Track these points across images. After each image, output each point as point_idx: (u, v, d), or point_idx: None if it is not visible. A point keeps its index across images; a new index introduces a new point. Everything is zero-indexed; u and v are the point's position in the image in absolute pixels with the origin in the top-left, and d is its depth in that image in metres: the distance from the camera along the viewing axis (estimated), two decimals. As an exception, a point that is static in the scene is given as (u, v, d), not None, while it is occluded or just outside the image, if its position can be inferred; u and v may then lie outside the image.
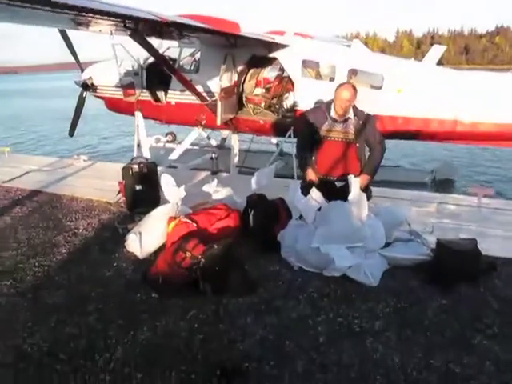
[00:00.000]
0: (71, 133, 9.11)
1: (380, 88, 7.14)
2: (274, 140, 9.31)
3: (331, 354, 2.80)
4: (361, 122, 4.38)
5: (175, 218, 4.08)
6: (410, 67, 7.49)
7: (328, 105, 4.44)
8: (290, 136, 7.33)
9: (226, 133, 9.37)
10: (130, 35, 5.16)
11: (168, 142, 10.26)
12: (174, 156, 7.88)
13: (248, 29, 7.12)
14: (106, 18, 4.11)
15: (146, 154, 8.08)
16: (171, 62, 8.12)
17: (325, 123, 4.44)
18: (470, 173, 10.41)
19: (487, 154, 11.85)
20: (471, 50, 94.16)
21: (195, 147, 9.57)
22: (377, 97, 7.10)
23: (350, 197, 3.78)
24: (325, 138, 4.45)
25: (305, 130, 4.62)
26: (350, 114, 4.38)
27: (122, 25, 4.48)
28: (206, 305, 3.31)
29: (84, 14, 3.80)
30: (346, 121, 4.41)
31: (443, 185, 8.82)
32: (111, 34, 4.81)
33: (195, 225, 4.00)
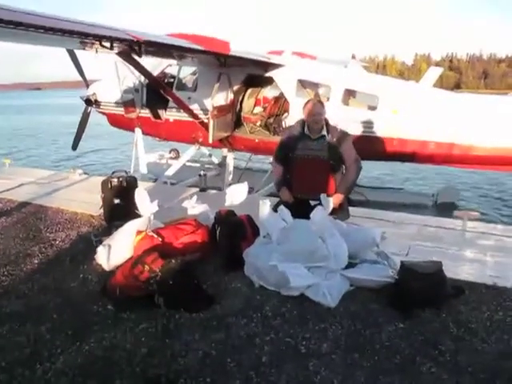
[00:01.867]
0: (74, 147, 9.34)
1: (375, 109, 7.12)
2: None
3: (270, 375, 2.72)
4: (335, 140, 4.37)
5: (142, 231, 4.09)
6: (406, 88, 7.45)
7: (301, 123, 4.44)
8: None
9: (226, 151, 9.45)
10: (117, 54, 5.29)
11: (171, 158, 10.40)
12: (170, 172, 7.96)
13: (247, 48, 7.24)
14: (77, 37, 4.21)
15: (144, 169, 8.23)
16: (171, 80, 8.32)
17: (299, 141, 4.44)
18: (468, 196, 10.15)
19: (490, 177, 11.59)
20: (490, 75, 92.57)
21: (196, 164, 9.69)
22: (372, 117, 7.08)
23: (312, 215, 3.73)
24: (299, 157, 4.45)
25: (280, 149, 4.63)
26: (324, 132, 4.37)
27: (99, 44, 4.59)
28: (158, 319, 3.28)
29: (54, 33, 3.92)
30: (320, 138, 4.40)
31: (444, 208, 8.62)
32: (96, 52, 4.94)
33: (160, 239, 4.00)
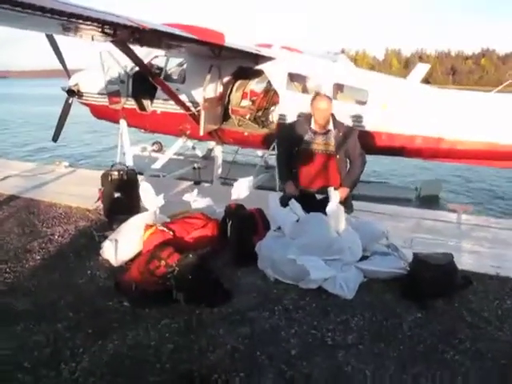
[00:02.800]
0: (55, 138, 9.05)
1: (365, 103, 7.20)
2: (260, 152, 9.33)
3: (302, 367, 2.75)
4: (341, 134, 4.40)
5: (152, 226, 4.03)
6: (395, 84, 7.58)
7: (307, 117, 4.46)
8: (274, 149, 7.36)
9: (212, 143, 9.39)
10: (112, 42, 5.13)
11: (154, 151, 10.23)
12: (157, 165, 7.83)
13: (236, 40, 7.15)
14: (81, 22, 4.06)
15: (130, 162, 8.04)
16: (158, 71, 8.15)
17: (305, 135, 4.44)
18: (455, 190, 10.52)
19: (472, 171, 12.00)
20: (458, 71, 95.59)
21: (180, 157, 9.56)
22: (361, 112, 7.17)
23: (328, 209, 3.77)
24: (305, 151, 4.46)
25: (285, 143, 4.63)
26: (331, 126, 4.40)
27: (100, 30, 4.45)
28: (179, 314, 3.25)
29: (58, 17, 3.77)
30: (326, 133, 4.43)
31: (427, 201, 8.86)
32: (92, 39, 4.77)
33: (171, 233, 3.96)
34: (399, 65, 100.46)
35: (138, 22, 4.49)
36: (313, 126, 4.44)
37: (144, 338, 3.01)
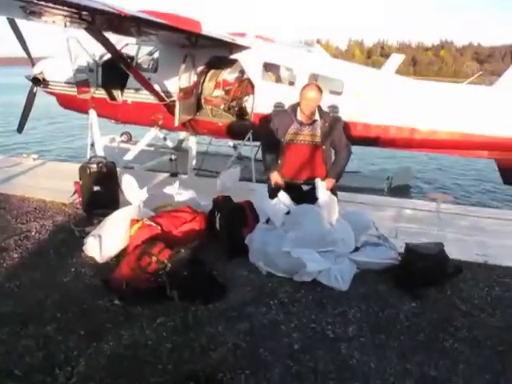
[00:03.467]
0: (20, 129, 8.63)
1: (340, 93, 7.22)
2: (232, 143, 9.22)
3: (307, 361, 2.72)
4: (327, 125, 4.36)
5: (138, 220, 3.88)
6: (370, 74, 7.63)
7: (294, 108, 4.39)
8: (248, 139, 7.29)
9: (183, 134, 9.20)
10: (85, 29, 4.89)
11: (123, 141, 9.92)
12: (129, 156, 7.59)
13: (210, 28, 6.99)
14: (59, 7, 3.83)
15: (100, 153, 7.76)
16: (128, 60, 7.88)
17: (291, 126, 4.37)
18: (426, 179, 10.78)
19: (443, 161, 12.32)
20: (418, 62, 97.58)
21: (151, 148, 9.32)
22: (337, 102, 7.17)
23: (320, 200, 3.74)
24: (291, 142, 4.39)
25: (270, 134, 4.54)
26: (317, 117, 4.35)
27: (77, 16, 4.21)
28: (174, 312, 3.14)
29: (36, 1, 3.54)
30: (312, 123, 4.38)
31: (399, 191, 9.00)
32: (65, 26, 4.52)
33: (159, 228, 3.82)
34: (362, 55, 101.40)
35: (118, 8, 4.29)
36: (299, 116, 4.38)
37: (141, 338, 2.90)
